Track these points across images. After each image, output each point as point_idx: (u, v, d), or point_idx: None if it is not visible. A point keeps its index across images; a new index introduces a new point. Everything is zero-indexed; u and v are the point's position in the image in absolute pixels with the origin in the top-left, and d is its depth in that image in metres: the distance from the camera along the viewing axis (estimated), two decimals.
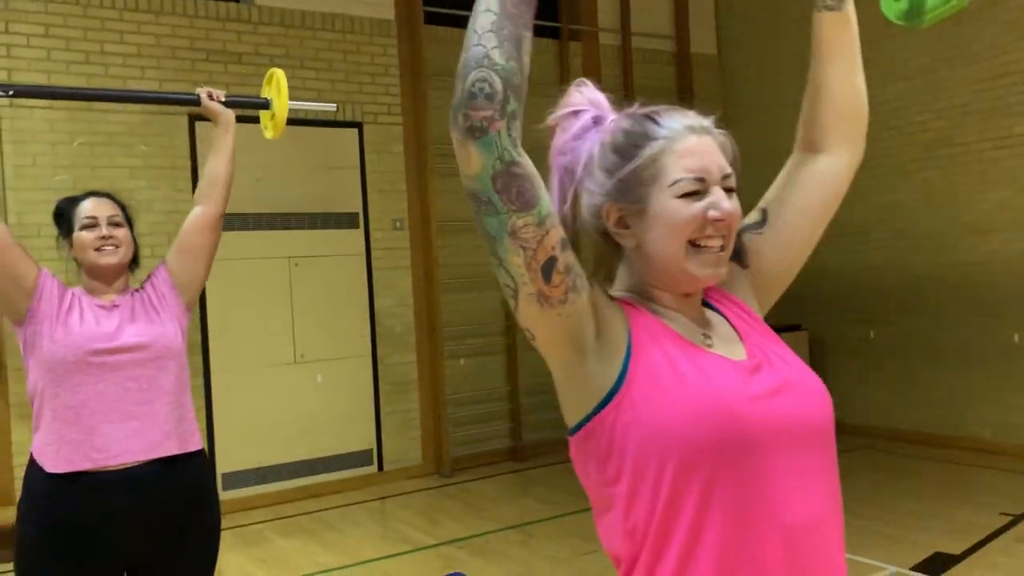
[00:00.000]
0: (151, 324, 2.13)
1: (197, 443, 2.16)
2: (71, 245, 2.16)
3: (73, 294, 2.14)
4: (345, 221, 6.17)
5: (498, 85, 0.91)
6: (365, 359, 6.23)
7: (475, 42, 0.92)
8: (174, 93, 2.59)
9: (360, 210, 6.25)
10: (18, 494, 4.98)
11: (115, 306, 2.13)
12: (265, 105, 2.53)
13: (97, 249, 2.12)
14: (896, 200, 6.35)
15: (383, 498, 5.83)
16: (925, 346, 6.34)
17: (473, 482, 6.11)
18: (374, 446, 6.22)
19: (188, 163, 5.62)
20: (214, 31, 5.73)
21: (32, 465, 2.04)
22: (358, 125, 6.26)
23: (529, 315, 1.01)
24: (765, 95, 7.39)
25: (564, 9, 7.11)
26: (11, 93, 2.16)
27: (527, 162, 0.96)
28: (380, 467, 6.22)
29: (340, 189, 6.17)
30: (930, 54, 6.20)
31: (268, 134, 2.59)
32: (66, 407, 2.00)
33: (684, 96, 7.72)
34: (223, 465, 5.54)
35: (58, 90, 2.30)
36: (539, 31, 7.01)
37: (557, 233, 0.98)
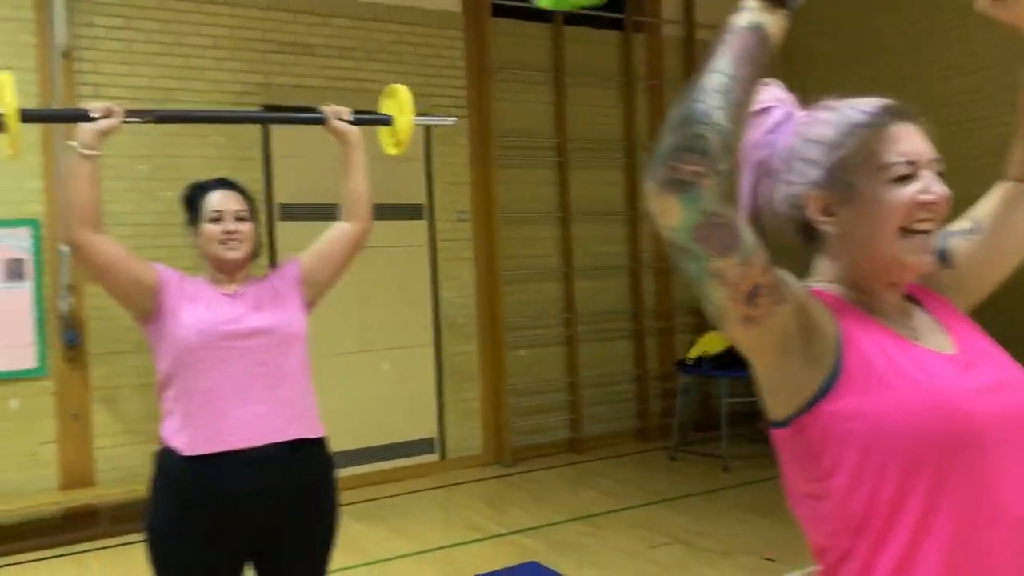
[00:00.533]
0: (276, 311, 2.19)
1: (321, 430, 2.22)
2: (197, 234, 2.22)
3: (196, 283, 2.20)
4: (410, 212, 6.23)
5: (714, 143, 0.91)
6: (428, 348, 6.30)
7: (698, 99, 0.93)
8: (301, 113, 2.62)
9: (425, 201, 6.32)
10: (99, 476, 5.13)
11: (239, 294, 2.20)
12: (387, 122, 2.51)
13: (222, 243, 2.18)
14: None
15: (445, 486, 5.90)
16: None
17: (534, 472, 6.16)
18: (436, 434, 6.29)
19: (260, 153, 5.71)
20: (286, 23, 5.81)
21: (164, 448, 2.11)
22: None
23: (736, 336, 1.04)
24: (829, 86, 7.29)
25: (628, 0, 7.08)
26: (149, 119, 2.21)
27: (732, 210, 0.95)
28: (442, 455, 6.29)
29: (406, 181, 6.22)
30: None
31: (390, 151, 2.57)
32: (197, 392, 2.07)
33: None
34: None
35: (194, 114, 2.32)
36: (602, 23, 7.02)
37: (760, 262, 0.98)
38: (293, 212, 5.78)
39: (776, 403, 1.09)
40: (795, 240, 1.18)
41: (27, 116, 2.03)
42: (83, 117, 2.04)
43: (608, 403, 6.96)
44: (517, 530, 4.78)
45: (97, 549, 4.78)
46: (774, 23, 0.98)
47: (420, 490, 5.78)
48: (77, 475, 5.08)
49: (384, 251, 6.02)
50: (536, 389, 6.66)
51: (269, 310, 2.19)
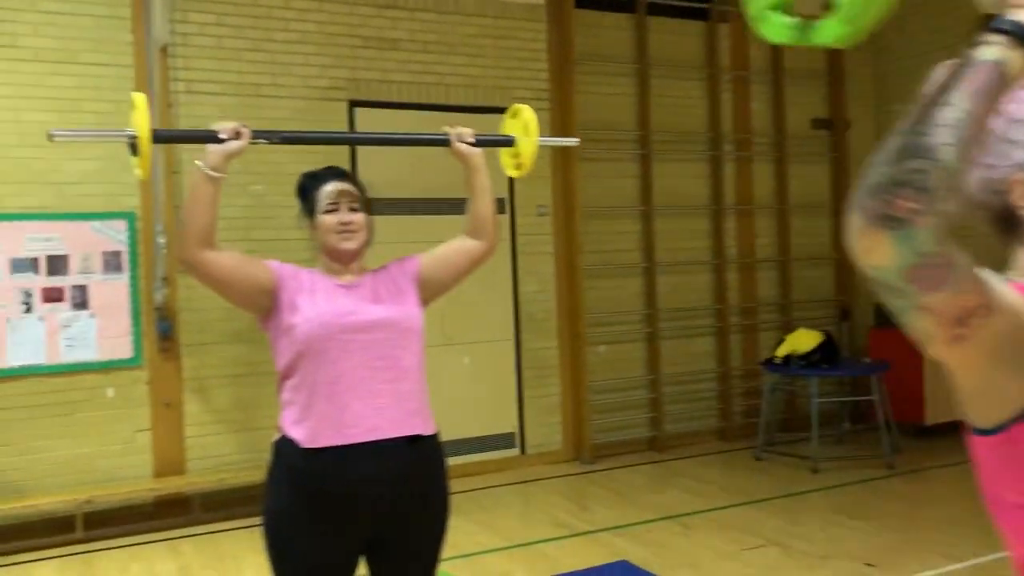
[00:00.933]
0: (395, 304, 2.17)
1: (434, 426, 2.20)
2: (313, 225, 2.21)
3: (311, 275, 2.19)
4: None
5: (937, 180, 0.82)
6: (509, 343, 6.27)
7: (924, 131, 0.85)
8: (426, 134, 2.59)
9: (506, 195, 6.28)
10: (190, 464, 5.23)
11: (355, 285, 2.18)
12: (510, 143, 2.42)
13: (338, 233, 2.16)
14: None
15: (526, 482, 5.86)
16: None
17: (616, 470, 6.07)
18: (517, 429, 6.26)
19: (346, 149, 5.74)
20: (372, 18, 5.83)
21: (283, 438, 2.10)
22: (505, 111, 6.26)
23: (942, 355, 0.95)
24: (920, 77, 7.02)
25: None
26: (275, 140, 2.20)
27: (950, 249, 0.86)
28: (522, 450, 6.26)
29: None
30: None
31: (511, 173, 2.50)
32: (317, 384, 2.06)
33: (834, 78, 7.43)
34: None
35: (318, 135, 2.29)
36: (686, 12, 6.89)
37: (974, 286, 0.90)
38: (378, 207, 5.77)
39: (982, 410, 1.00)
40: (990, 230, 1.09)
41: (158, 137, 2.03)
42: (212, 138, 2.03)
43: (689, 401, 6.83)
44: (604, 528, 4.71)
45: (189, 536, 4.88)
46: (1017, 61, 0.89)
47: (500, 485, 5.75)
48: (169, 463, 5.20)
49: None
50: (616, 386, 6.57)
51: (388, 303, 2.17)
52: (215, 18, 5.43)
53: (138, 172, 2.06)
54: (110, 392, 5.11)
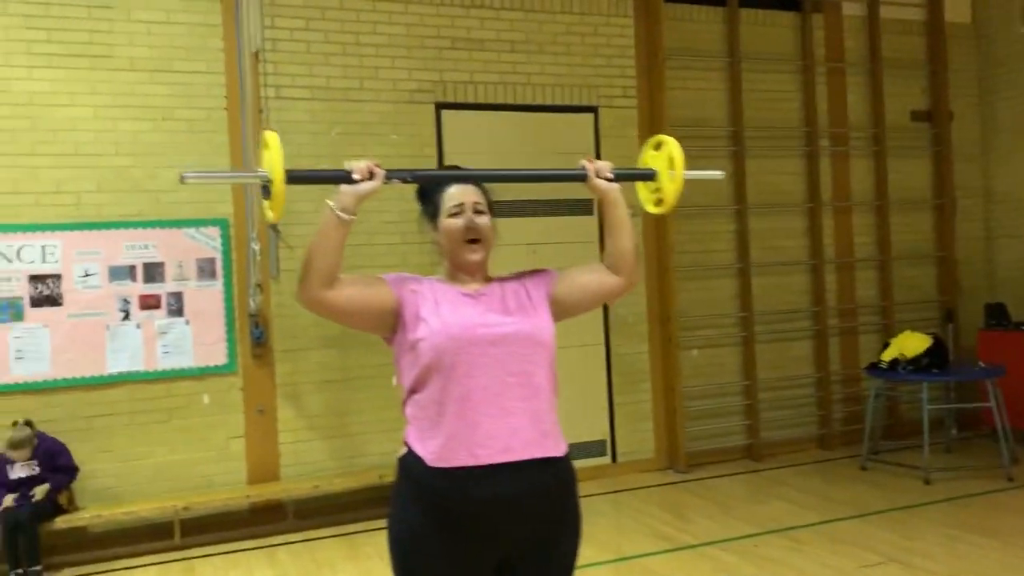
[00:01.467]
0: (527, 317, 2.03)
1: (566, 446, 2.06)
2: (435, 228, 2.09)
3: (433, 284, 2.07)
4: (579, 208, 6.05)
5: None
6: (599, 348, 6.10)
7: None
8: (562, 170, 2.40)
9: (594, 196, 6.11)
10: (284, 470, 5.20)
11: (481, 294, 2.05)
12: (650, 177, 2.24)
13: (463, 238, 2.04)
14: None
15: (618, 491, 5.68)
16: None
17: (711, 479, 5.85)
18: (608, 437, 6.09)
19: (434, 151, 5.67)
20: (459, 18, 5.75)
21: (410, 453, 1.99)
22: (593, 109, 6.12)
23: None
24: None
25: None
26: (408, 180, 2.07)
27: None
28: (613, 458, 6.09)
29: None
30: None
31: (650, 209, 2.29)
32: (447, 400, 1.94)
33: (936, 69, 7.07)
34: None
35: (452, 173, 2.10)
36: (778, 3, 6.63)
37: None
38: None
39: None
40: None
41: (292, 178, 1.92)
42: (345, 179, 1.92)
43: (786, 408, 6.55)
44: (708, 542, 4.51)
45: (284, 544, 4.85)
46: None
47: (593, 494, 5.57)
48: (263, 469, 5.18)
49: (554, 247, 5.88)
50: (710, 392, 6.34)
51: (519, 315, 2.03)
52: (303, 23, 5.42)
53: (270, 215, 1.95)
54: (205, 399, 5.12)
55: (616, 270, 2.11)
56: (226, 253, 5.18)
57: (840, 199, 6.78)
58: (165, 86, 5.12)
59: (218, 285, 5.15)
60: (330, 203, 1.90)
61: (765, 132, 6.54)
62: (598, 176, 2.11)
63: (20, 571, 4.30)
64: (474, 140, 5.75)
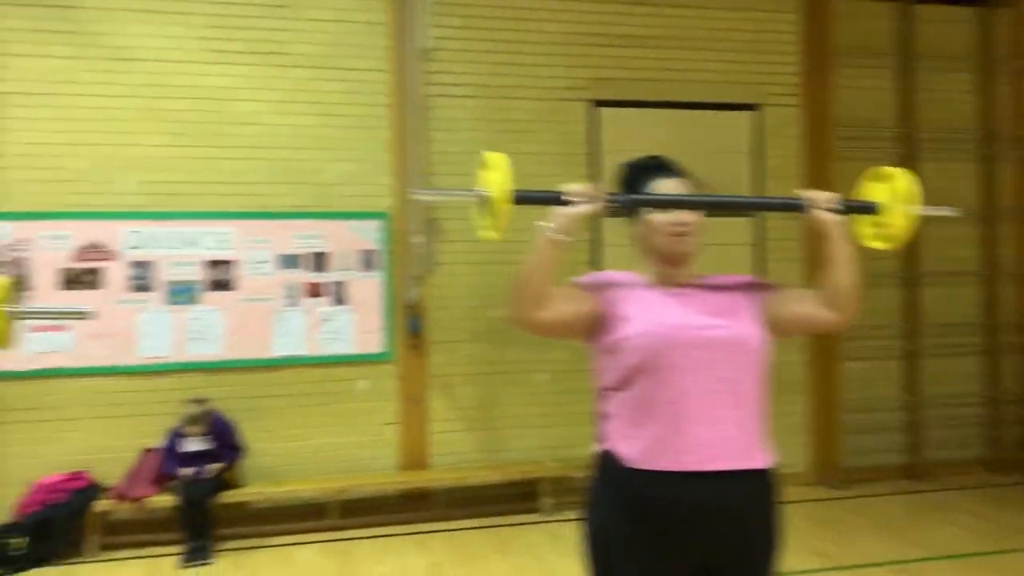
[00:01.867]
0: (738, 321, 1.95)
1: (771, 459, 1.97)
2: (640, 223, 2.03)
3: (635, 281, 2.02)
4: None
5: None
6: None
7: None
8: (778, 198, 2.30)
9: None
10: (434, 459, 5.28)
11: (688, 295, 1.99)
12: (871, 210, 2.09)
13: (672, 235, 1.97)
14: None
15: None
16: None
17: (869, 498, 5.55)
18: None
19: (584, 149, 5.64)
20: (620, 15, 5.69)
21: (608, 452, 1.95)
22: (753, 107, 5.93)
23: None
24: None
25: None
26: (627, 204, 2.03)
27: None
28: None
29: (729, 175, 5.86)
30: None
31: (869, 242, 2.12)
32: (653, 403, 1.88)
33: None
34: None
35: (671, 199, 2.01)
36: None
37: None
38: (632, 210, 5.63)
39: None
40: None
41: (518, 199, 1.93)
42: (561, 201, 1.89)
43: (953, 427, 6.15)
44: (875, 563, 4.26)
45: (433, 532, 4.92)
46: None
47: None
48: (414, 457, 5.29)
49: (710, 249, 5.70)
50: (871, 406, 6.02)
51: (729, 318, 1.95)
52: (461, 21, 5.49)
53: (487, 234, 1.95)
54: (362, 385, 5.27)
55: (833, 307, 1.99)
56: (386, 246, 5.31)
57: (1021, 206, 6.30)
58: (333, 82, 5.30)
59: (377, 276, 5.29)
60: (544, 225, 1.88)
61: (938, 134, 6.15)
62: (820, 207, 1.99)
63: (195, 542, 4.54)
64: (629, 137, 5.68)
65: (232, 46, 5.16)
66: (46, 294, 4.80)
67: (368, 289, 5.27)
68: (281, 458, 5.15)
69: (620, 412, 1.95)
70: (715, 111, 5.86)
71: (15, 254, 4.82)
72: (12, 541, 4.43)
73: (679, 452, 1.86)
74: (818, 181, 5.90)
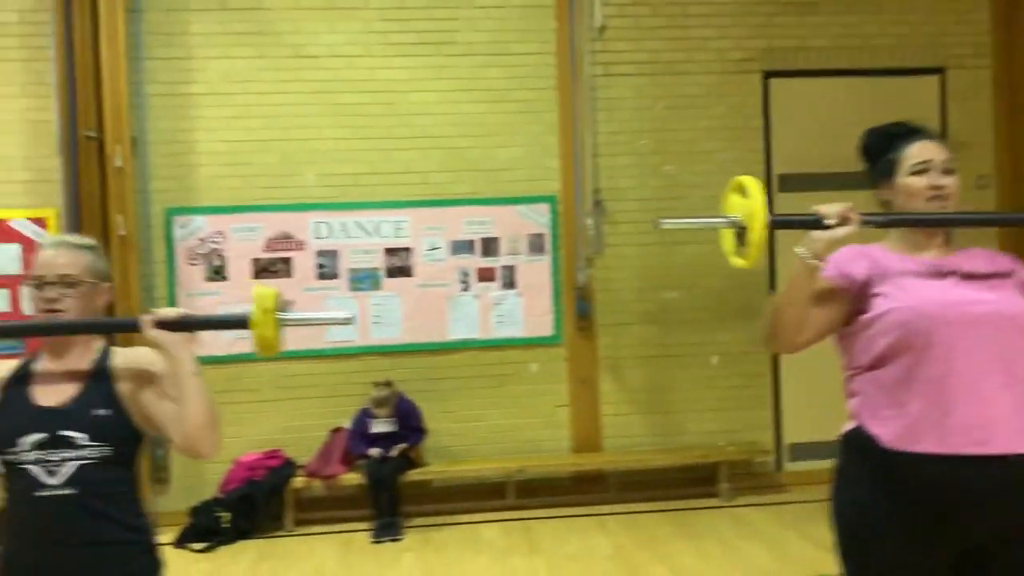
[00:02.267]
0: (1005, 295, 1.86)
1: None
2: (890, 188, 1.95)
3: (885, 254, 1.94)
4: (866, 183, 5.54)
5: None
6: None
7: None
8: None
9: None
10: (605, 442, 5.29)
11: (945, 266, 1.90)
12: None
13: (930, 200, 1.89)
14: None
15: None
16: None
17: None
18: None
19: (760, 123, 5.46)
20: None
21: (860, 431, 1.90)
22: (939, 71, 5.56)
23: None
24: None
25: None
26: (882, 224, 1.94)
27: None
28: None
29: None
30: None
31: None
32: (916, 381, 1.82)
33: None
34: (789, 436, 5.38)
35: (918, 217, 1.90)
36: None
37: None
38: (791, 183, 5.44)
39: None
40: None
41: (775, 224, 1.89)
42: (818, 224, 1.85)
43: None
44: None
45: (609, 514, 4.95)
46: None
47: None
48: (586, 439, 5.32)
49: None
50: None
51: (997, 292, 1.86)
52: None
53: (738, 262, 1.93)
54: (533, 367, 5.34)
55: None
56: (554, 229, 5.34)
57: None
58: (501, 68, 5.34)
59: (546, 260, 5.33)
60: (800, 250, 1.83)
61: None
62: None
63: (384, 518, 4.75)
64: (804, 109, 5.46)
65: (404, 38, 5.28)
66: (239, 283, 5.11)
67: (537, 272, 5.32)
68: (459, 438, 5.29)
69: (874, 391, 1.90)
70: (896, 76, 5.53)
71: (211, 246, 5.15)
72: (220, 515, 4.77)
73: (944, 433, 1.79)
74: (1013, 145, 5.51)
